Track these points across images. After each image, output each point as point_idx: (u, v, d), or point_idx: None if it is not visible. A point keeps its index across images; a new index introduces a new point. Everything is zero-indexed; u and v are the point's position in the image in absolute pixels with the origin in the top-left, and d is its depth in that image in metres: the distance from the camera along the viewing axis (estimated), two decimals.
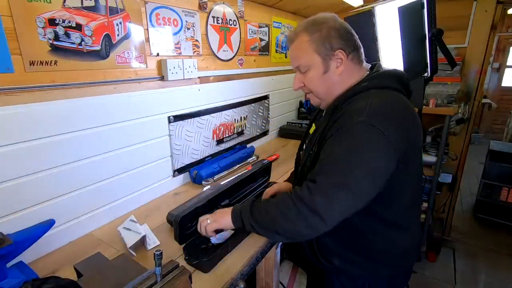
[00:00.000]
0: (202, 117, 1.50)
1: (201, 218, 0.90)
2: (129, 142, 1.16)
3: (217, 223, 0.87)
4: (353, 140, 0.74)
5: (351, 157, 0.73)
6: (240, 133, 1.83)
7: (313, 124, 1.09)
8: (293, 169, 1.25)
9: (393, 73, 0.89)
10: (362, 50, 0.90)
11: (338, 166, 0.73)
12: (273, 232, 0.79)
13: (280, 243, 1.09)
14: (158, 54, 1.24)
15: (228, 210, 0.89)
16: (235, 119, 1.75)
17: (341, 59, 0.86)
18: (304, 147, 1.08)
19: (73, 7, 0.92)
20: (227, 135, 1.71)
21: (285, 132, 2.26)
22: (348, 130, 0.76)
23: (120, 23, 1.07)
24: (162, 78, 1.27)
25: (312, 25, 0.87)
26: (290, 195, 0.77)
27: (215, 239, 0.92)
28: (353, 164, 0.72)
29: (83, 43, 0.96)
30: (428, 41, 1.28)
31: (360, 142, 0.74)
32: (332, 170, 0.74)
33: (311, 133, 1.05)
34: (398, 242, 0.90)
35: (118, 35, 1.06)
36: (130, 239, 0.93)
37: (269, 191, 1.13)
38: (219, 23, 1.55)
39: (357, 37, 0.89)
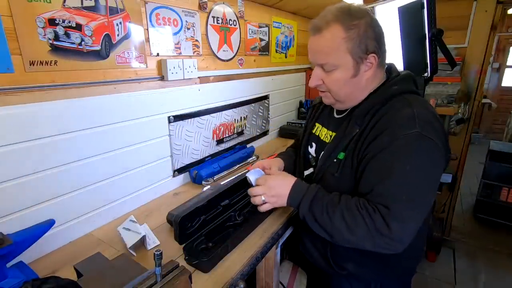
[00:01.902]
0: (202, 117, 1.50)
1: (254, 191, 0.89)
2: (129, 142, 1.16)
3: (274, 203, 0.88)
4: (415, 156, 0.72)
5: (419, 175, 0.72)
6: (240, 133, 1.83)
7: (317, 124, 1.03)
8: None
9: (412, 76, 0.87)
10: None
11: (407, 187, 0.71)
12: (327, 234, 0.78)
13: (280, 243, 1.09)
14: (158, 54, 1.24)
15: (287, 186, 0.85)
16: (235, 119, 1.75)
17: (372, 64, 0.79)
18: (313, 149, 1.02)
19: (73, 7, 0.92)
20: (227, 135, 1.71)
21: (285, 132, 2.26)
22: (405, 144, 0.72)
23: (120, 23, 1.07)
24: (162, 78, 1.27)
25: (349, 16, 0.76)
26: (361, 211, 0.73)
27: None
28: (422, 182, 0.72)
29: (83, 43, 0.96)
30: (428, 41, 1.28)
31: (422, 157, 0.72)
32: (402, 192, 0.71)
33: (320, 135, 0.99)
34: (414, 245, 0.90)
35: (118, 35, 1.06)
36: (130, 239, 0.93)
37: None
38: (219, 23, 1.55)
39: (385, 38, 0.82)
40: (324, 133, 0.98)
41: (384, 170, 0.73)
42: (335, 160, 0.86)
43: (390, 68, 0.90)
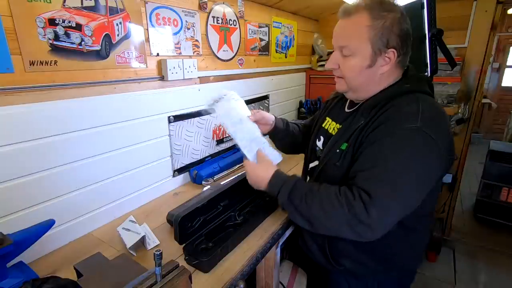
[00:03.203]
0: (202, 117, 1.50)
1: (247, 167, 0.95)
2: (129, 142, 1.16)
3: (251, 179, 0.92)
4: (409, 149, 0.72)
5: (408, 169, 0.71)
6: None
7: (327, 118, 1.03)
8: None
9: (427, 79, 0.88)
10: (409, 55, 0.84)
11: (394, 178, 0.71)
12: (307, 222, 0.79)
13: (280, 243, 1.09)
14: (158, 54, 1.24)
15: (268, 172, 0.88)
16: None
17: (390, 59, 0.79)
18: (320, 142, 1.02)
19: (73, 7, 0.92)
20: (227, 135, 1.70)
21: None
22: (402, 137, 0.72)
23: (120, 23, 1.07)
24: (162, 78, 1.27)
25: (379, 7, 0.77)
26: (340, 199, 0.73)
27: None
28: (410, 176, 0.71)
29: (83, 43, 0.96)
30: (428, 41, 1.28)
31: (415, 152, 0.72)
32: (388, 182, 0.71)
33: (328, 129, 0.99)
34: (414, 245, 0.89)
35: (118, 35, 1.06)
36: (130, 239, 0.93)
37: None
38: (219, 23, 1.55)
39: (411, 40, 0.82)
40: (332, 126, 0.99)
41: (376, 158, 0.74)
42: (337, 151, 0.86)
43: (407, 70, 0.89)
